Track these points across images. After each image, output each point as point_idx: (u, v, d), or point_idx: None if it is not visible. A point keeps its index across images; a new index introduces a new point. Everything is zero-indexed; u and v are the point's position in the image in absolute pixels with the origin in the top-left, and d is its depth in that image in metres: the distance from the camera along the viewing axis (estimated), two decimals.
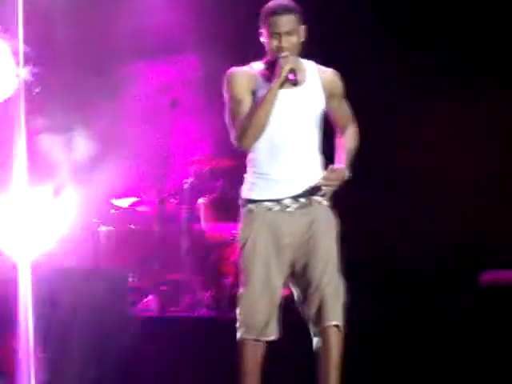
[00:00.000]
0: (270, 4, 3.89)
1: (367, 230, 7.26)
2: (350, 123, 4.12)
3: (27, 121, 4.76)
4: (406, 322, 6.03)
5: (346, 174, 3.95)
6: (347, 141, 4.08)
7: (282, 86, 3.81)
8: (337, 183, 3.93)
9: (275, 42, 3.83)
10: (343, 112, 4.08)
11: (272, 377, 4.04)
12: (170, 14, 7.44)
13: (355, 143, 4.12)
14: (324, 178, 3.89)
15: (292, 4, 3.89)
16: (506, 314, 6.05)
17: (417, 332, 5.67)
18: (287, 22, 3.81)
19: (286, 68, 3.79)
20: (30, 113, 4.83)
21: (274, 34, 3.82)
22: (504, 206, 7.10)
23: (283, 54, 3.81)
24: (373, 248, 7.35)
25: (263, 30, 3.88)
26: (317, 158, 3.95)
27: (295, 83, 3.83)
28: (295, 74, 3.81)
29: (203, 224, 7.25)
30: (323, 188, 3.90)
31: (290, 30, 3.82)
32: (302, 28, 3.89)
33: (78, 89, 7.09)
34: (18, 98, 5.16)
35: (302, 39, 3.90)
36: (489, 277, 6.43)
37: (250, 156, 3.94)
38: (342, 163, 3.96)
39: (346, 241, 4.00)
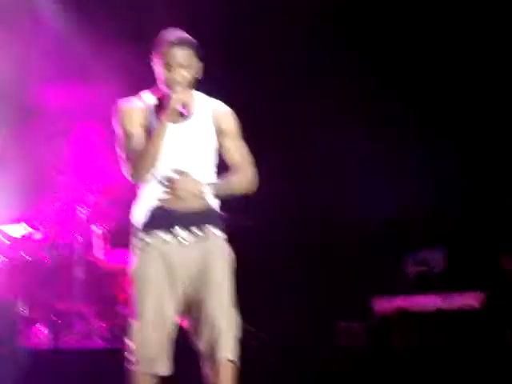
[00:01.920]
0: (167, 33, 3.85)
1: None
2: (243, 166, 3.96)
3: None
4: (300, 350, 6.09)
5: (198, 186, 3.81)
6: (232, 176, 3.94)
7: (172, 118, 3.79)
8: (183, 190, 3.80)
9: (169, 74, 3.81)
10: (235, 152, 3.95)
11: None
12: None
13: (241, 182, 3.95)
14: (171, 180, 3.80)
15: (191, 38, 3.85)
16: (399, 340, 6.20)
17: (311, 360, 5.73)
18: (185, 55, 3.79)
19: (176, 101, 3.77)
20: None
21: (168, 66, 3.80)
22: None
23: (174, 87, 3.78)
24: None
25: (156, 59, 3.84)
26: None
27: (185, 116, 3.82)
28: (186, 108, 3.79)
29: (97, 252, 7.17)
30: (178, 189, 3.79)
31: (187, 64, 3.80)
32: (200, 65, 3.88)
33: None
34: None
35: (198, 76, 3.89)
36: (380, 304, 6.57)
37: (142, 186, 3.91)
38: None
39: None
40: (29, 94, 7.35)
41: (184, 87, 3.82)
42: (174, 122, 3.82)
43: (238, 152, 3.98)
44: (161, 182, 3.85)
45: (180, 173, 3.83)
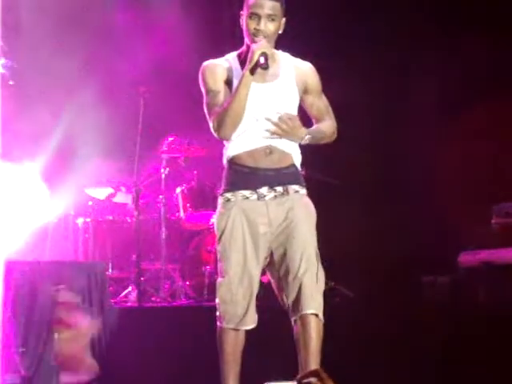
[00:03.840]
0: None
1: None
2: (326, 118, 4.02)
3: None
4: (386, 303, 6.07)
5: (303, 132, 3.86)
6: (321, 124, 4.00)
7: (253, 71, 3.78)
8: (287, 131, 3.82)
9: (253, 24, 3.81)
10: (318, 108, 4.01)
11: (252, 365, 4.04)
12: None
13: (329, 130, 4.00)
14: (279, 119, 3.82)
15: None
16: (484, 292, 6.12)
17: (399, 312, 5.71)
18: (271, 6, 3.80)
19: (258, 52, 3.75)
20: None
21: (254, 16, 3.81)
22: None
23: (257, 39, 3.79)
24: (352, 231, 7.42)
25: (244, 11, 3.85)
26: (292, 149, 3.93)
27: (266, 68, 3.79)
28: (266, 59, 3.77)
29: (181, 213, 7.24)
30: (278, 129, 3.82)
31: (272, 14, 3.80)
32: (283, 20, 3.87)
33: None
34: None
35: (280, 31, 3.88)
36: (467, 257, 6.49)
37: (227, 146, 3.94)
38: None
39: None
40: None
41: (267, 39, 3.81)
42: (258, 81, 3.82)
43: (322, 106, 4.02)
44: (245, 141, 3.86)
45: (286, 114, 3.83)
